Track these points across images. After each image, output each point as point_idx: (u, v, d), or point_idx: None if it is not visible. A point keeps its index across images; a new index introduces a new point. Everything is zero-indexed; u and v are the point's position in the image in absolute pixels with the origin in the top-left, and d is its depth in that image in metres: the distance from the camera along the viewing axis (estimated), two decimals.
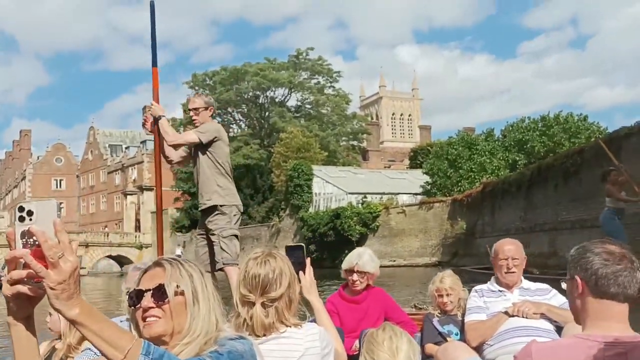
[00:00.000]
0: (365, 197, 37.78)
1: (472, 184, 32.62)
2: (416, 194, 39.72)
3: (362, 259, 3.54)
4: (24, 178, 78.31)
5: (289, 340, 2.02)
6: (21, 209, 1.08)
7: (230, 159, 4.85)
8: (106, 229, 62.46)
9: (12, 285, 1.13)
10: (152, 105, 4.57)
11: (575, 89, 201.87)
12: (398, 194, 40.48)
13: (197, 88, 58.43)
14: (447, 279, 3.59)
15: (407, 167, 58.76)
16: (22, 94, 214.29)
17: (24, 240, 1.08)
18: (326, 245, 34.99)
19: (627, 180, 9.53)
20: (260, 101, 58.59)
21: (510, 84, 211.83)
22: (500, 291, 3.35)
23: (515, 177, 26.22)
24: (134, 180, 64.21)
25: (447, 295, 3.53)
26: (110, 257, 54.27)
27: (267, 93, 58.06)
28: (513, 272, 3.29)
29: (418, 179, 41.56)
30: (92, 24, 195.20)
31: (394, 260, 33.20)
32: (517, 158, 35.04)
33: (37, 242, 1.07)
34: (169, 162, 4.81)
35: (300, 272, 2.34)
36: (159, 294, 1.42)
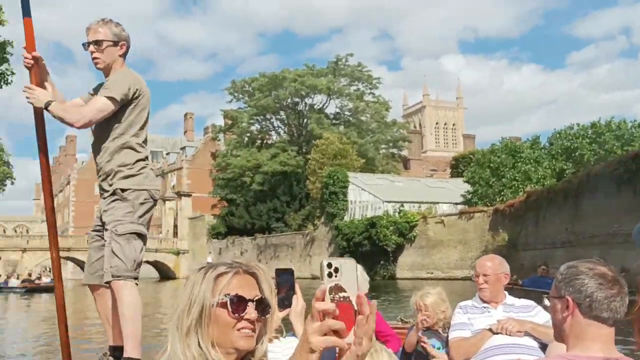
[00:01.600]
0: (402, 205, 36.43)
1: (516, 194, 30.94)
2: (456, 203, 38.11)
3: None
4: (68, 183, 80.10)
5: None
6: (329, 265, 1.13)
7: (148, 128, 3.25)
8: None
9: (323, 336, 1.12)
10: (27, 90, 2.92)
11: (627, 100, 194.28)
12: (437, 203, 38.95)
13: (236, 94, 58.37)
14: (429, 297, 3.41)
15: (449, 176, 56.99)
16: None
17: (331, 295, 1.12)
18: (361, 255, 33.71)
19: None
20: (298, 108, 57.96)
21: (557, 95, 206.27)
22: (484, 307, 3.28)
23: (562, 186, 24.51)
24: (173, 186, 64.50)
25: (424, 312, 3.40)
26: (147, 262, 54.42)
27: (306, 100, 57.41)
28: (482, 289, 3.27)
29: (459, 187, 39.90)
30: (143, 35, 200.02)
31: (432, 273, 31.78)
32: (565, 167, 33.12)
33: (342, 298, 1.11)
34: (81, 127, 3.11)
35: (295, 297, 2.21)
36: (262, 307, 1.33)
